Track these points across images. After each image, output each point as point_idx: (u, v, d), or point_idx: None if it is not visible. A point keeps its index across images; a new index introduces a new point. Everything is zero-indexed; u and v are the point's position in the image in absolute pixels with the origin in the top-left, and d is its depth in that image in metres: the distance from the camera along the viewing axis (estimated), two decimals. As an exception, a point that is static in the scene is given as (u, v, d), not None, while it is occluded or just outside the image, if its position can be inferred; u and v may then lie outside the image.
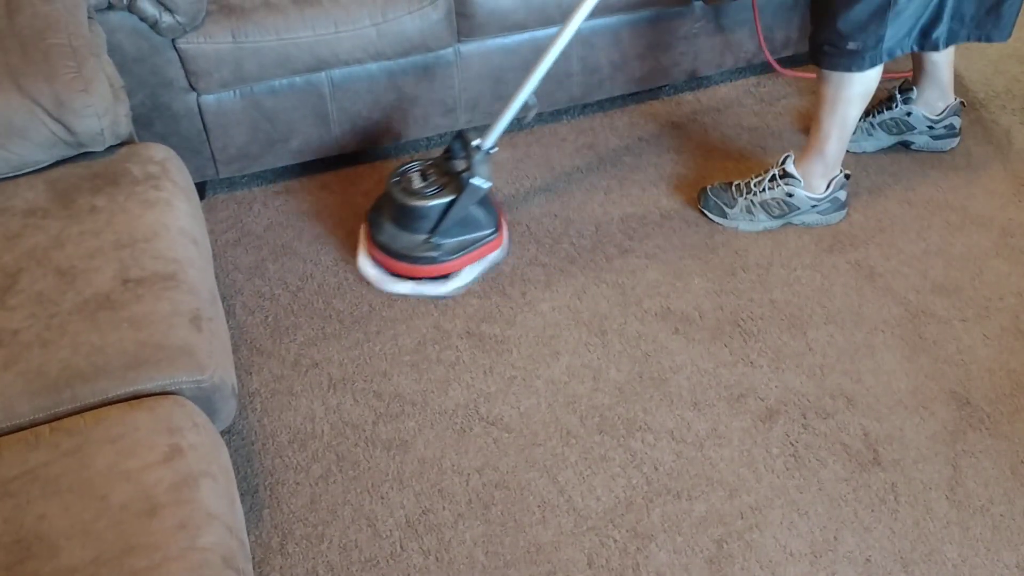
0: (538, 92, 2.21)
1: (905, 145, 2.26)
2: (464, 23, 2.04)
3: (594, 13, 2.11)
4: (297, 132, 2.08)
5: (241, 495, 1.57)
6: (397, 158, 2.26)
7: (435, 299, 1.92)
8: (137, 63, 1.86)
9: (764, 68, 2.51)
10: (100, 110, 1.51)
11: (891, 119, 2.20)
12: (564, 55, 2.18)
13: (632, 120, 2.38)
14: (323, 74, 2.02)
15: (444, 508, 1.57)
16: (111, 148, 1.60)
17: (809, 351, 1.82)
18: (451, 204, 1.85)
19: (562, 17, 2.10)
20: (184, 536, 1.07)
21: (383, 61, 2.03)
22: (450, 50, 2.09)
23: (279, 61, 1.93)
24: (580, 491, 1.60)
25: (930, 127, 2.20)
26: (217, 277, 1.92)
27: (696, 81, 2.47)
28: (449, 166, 1.91)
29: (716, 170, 2.21)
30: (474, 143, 1.88)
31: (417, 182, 1.89)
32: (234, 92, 1.99)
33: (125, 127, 1.61)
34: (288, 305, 1.92)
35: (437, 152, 2.04)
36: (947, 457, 1.63)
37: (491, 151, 1.89)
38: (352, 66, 2.02)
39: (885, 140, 2.25)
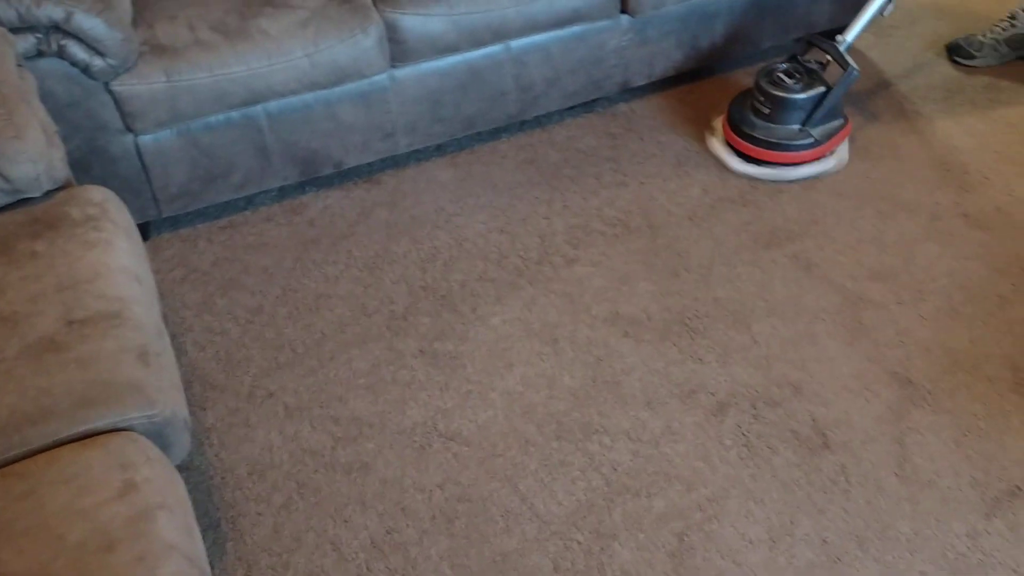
0: (474, 112, 2.27)
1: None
2: (396, 49, 2.07)
3: (523, 31, 2.18)
4: (237, 166, 2.09)
5: (203, 530, 1.57)
6: (340, 186, 2.28)
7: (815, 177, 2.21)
8: (71, 108, 1.86)
9: (694, 75, 2.58)
10: (34, 156, 1.51)
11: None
12: (497, 74, 2.24)
13: (570, 133, 2.43)
14: (259, 107, 2.03)
15: (408, 526, 1.58)
16: (49, 193, 1.60)
17: (754, 344, 1.87)
18: (824, 94, 2.13)
19: (493, 38, 2.16)
20: (143, 568, 1.07)
21: (318, 90, 2.06)
22: (384, 76, 2.12)
23: (214, 97, 1.95)
24: (542, 497, 1.62)
25: None
26: (166, 316, 1.92)
27: (629, 92, 2.53)
28: (805, 65, 2.19)
29: (654, 176, 2.27)
30: (836, 40, 2.19)
31: (788, 81, 2.16)
32: (171, 131, 1.99)
33: (61, 171, 1.60)
34: (239, 338, 1.92)
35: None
36: (893, 436, 1.68)
37: (850, 45, 2.21)
38: (288, 97, 2.04)
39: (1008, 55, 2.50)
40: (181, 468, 1.66)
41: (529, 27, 2.17)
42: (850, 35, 2.20)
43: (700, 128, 2.41)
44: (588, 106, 2.50)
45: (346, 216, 2.20)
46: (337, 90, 2.09)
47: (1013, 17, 2.53)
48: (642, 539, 1.55)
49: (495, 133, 2.43)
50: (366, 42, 2.01)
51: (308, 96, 2.07)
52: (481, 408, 1.77)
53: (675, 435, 1.71)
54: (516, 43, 2.21)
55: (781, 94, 2.16)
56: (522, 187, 2.27)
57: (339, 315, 1.96)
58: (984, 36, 2.55)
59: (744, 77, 2.57)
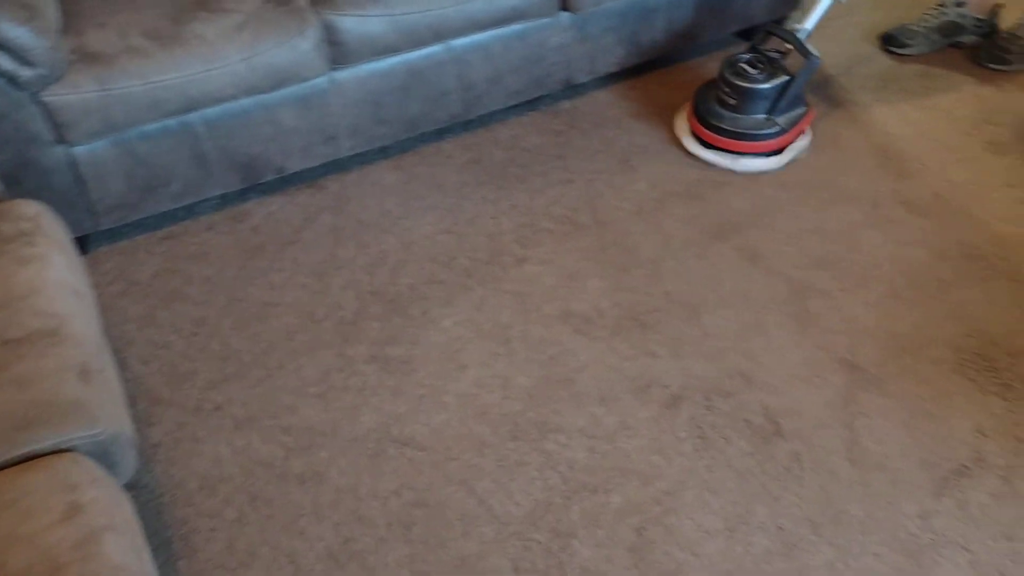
0: (416, 113, 2.25)
1: (956, 46, 2.58)
2: (335, 51, 2.04)
3: (464, 30, 2.17)
4: (176, 175, 2.04)
5: (154, 549, 1.52)
6: (283, 192, 2.24)
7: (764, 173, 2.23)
8: (-2, 119, 1.80)
9: (636, 71, 2.60)
10: (-40, 169, 1.45)
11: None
12: (439, 74, 2.22)
13: (514, 132, 2.42)
14: (197, 114, 1.99)
15: (365, 534, 1.56)
16: (-23, 208, 1.54)
17: (705, 336, 1.88)
18: (787, 83, 2.17)
19: (434, 37, 2.15)
20: (90, 594, 1.03)
21: (257, 95, 2.02)
22: (324, 78, 2.08)
23: (149, 105, 1.90)
24: (499, 499, 1.61)
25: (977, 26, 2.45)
26: (107, 330, 1.87)
27: (572, 89, 2.53)
28: (767, 55, 2.22)
29: (600, 172, 2.27)
30: (795, 29, 2.21)
31: (752, 71, 2.19)
32: (106, 141, 1.93)
33: (-10, 185, 1.55)
34: (184, 351, 1.87)
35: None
36: (843, 421, 1.71)
37: (810, 33, 2.24)
38: (226, 103, 1.99)
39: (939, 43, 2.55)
40: (128, 487, 1.61)
41: (469, 26, 2.16)
42: (809, 23, 2.24)
43: (644, 123, 2.42)
44: (532, 104, 2.50)
45: (290, 222, 2.16)
46: (276, 94, 2.05)
47: (942, 5, 2.60)
48: (601, 536, 1.55)
49: (439, 134, 2.41)
50: (304, 45, 1.98)
51: (246, 101, 2.03)
52: (435, 411, 1.75)
53: (630, 430, 1.71)
54: (457, 42, 2.20)
55: (747, 85, 2.19)
56: (468, 187, 2.26)
57: (286, 323, 1.92)
58: (916, 25, 2.61)
59: (685, 72, 2.59)
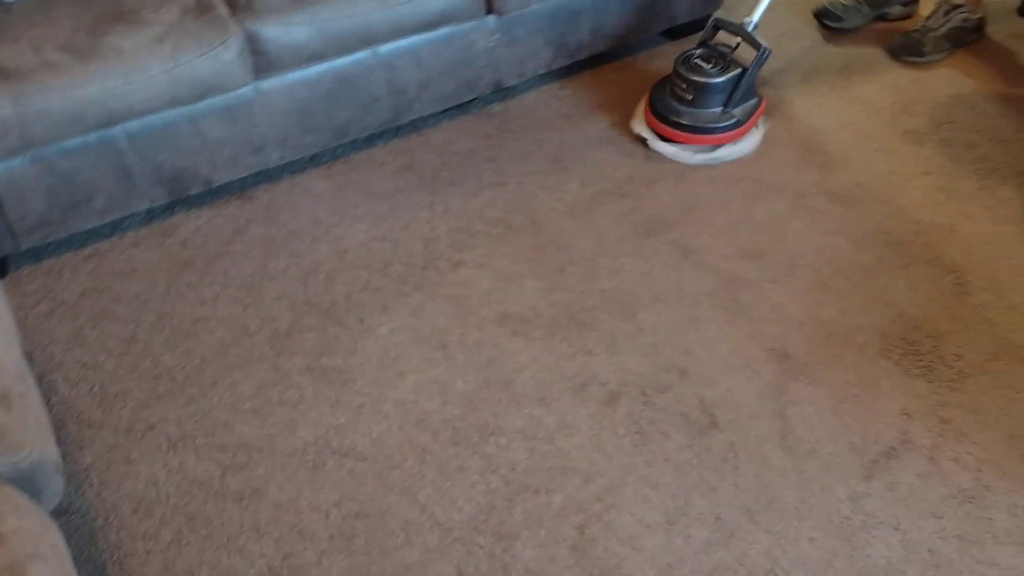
0: (346, 120, 2.23)
1: (882, 18, 2.70)
2: (260, 60, 2.02)
3: (390, 35, 2.16)
4: (99, 191, 2.00)
5: (88, 575, 1.49)
6: (212, 204, 2.21)
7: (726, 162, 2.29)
8: (-94, 140, 1.74)
9: (565, 72, 2.62)
10: None
11: None
12: (367, 80, 2.21)
13: (447, 136, 2.42)
14: (118, 128, 1.95)
15: (306, 549, 1.55)
16: None
17: (641, 332, 1.90)
18: (741, 75, 2.23)
19: (360, 43, 2.13)
20: (15, 627, 1.00)
21: (180, 107, 1.98)
22: (249, 88, 2.06)
23: (69, 120, 1.85)
24: (441, 505, 1.61)
25: None
26: (31, 354, 1.82)
27: (503, 92, 2.54)
28: (717, 49, 2.27)
29: (533, 173, 2.28)
30: (743, 23, 2.27)
31: (705, 66, 2.23)
32: (24, 158, 1.88)
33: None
34: (114, 371, 1.83)
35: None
36: (775, 410, 1.75)
37: (757, 25, 2.29)
38: (148, 116, 1.96)
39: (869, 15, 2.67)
40: (58, 512, 1.58)
41: (396, 31, 2.15)
42: (756, 15, 2.29)
43: (575, 123, 2.44)
44: (463, 108, 2.50)
45: (220, 235, 2.13)
46: (200, 105, 2.02)
47: None
48: (543, 536, 1.56)
49: (371, 140, 2.40)
50: (226, 55, 1.95)
51: (170, 113, 1.99)
52: (374, 421, 1.74)
53: (570, 429, 1.73)
54: (384, 48, 2.19)
55: (702, 79, 2.23)
56: (402, 193, 2.25)
57: (219, 338, 1.89)
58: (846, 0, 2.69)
59: (614, 72, 2.62)
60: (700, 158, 2.30)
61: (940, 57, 2.59)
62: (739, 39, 2.28)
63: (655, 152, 2.33)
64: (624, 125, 2.42)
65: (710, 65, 2.25)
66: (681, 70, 2.26)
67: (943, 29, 2.59)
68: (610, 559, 1.53)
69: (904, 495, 1.60)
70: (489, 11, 2.28)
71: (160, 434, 1.72)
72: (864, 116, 2.42)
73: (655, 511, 1.59)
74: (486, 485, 1.63)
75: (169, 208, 2.20)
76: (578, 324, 1.93)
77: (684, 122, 2.27)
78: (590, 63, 2.63)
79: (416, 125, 2.45)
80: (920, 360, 1.82)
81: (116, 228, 2.15)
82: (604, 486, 1.63)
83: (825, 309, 1.93)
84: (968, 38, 2.63)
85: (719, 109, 2.27)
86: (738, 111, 2.28)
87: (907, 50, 2.59)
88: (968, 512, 1.57)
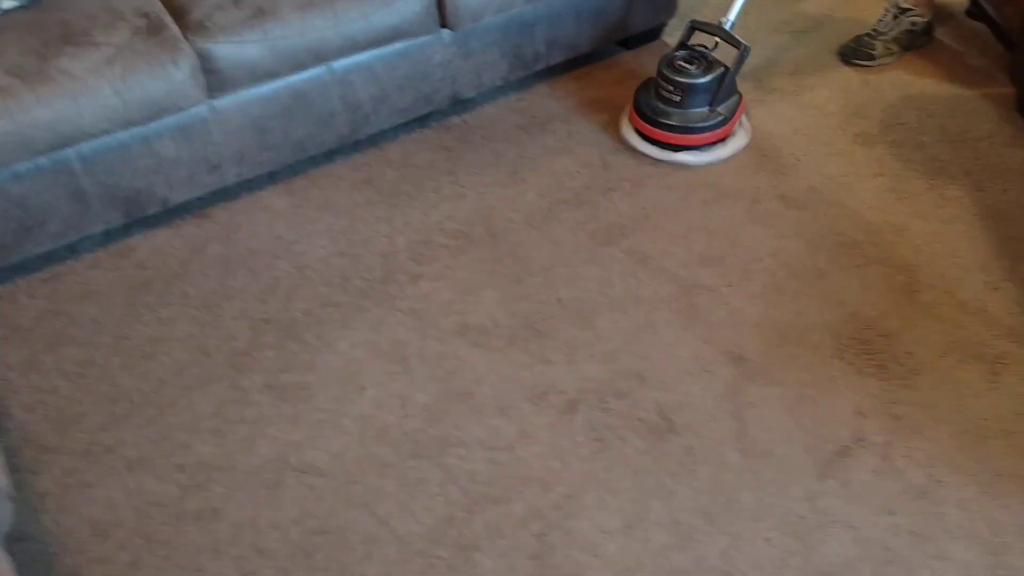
0: (303, 136, 2.24)
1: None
2: (212, 79, 2.02)
3: (344, 51, 2.17)
4: (53, 214, 1.99)
5: (43, 603, 1.48)
6: (170, 224, 2.20)
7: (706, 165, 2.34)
8: None
9: (521, 84, 2.63)
10: None
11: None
12: (323, 96, 2.22)
13: (406, 150, 2.43)
14: (71, 150, 1.94)
15: (266, 567, 1.54)
16: None
17: (599, 339, 1.92)
18: (724, 74, 2.28)
19: (314, 60, 2.14)
20: (-40, 657, 1.00)
21: (134, 128, 1.98)
22: (204, 107, 2.06)
23: (18, 145, 1.84)
24: (401, 519, 1.61)
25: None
26: (-16, 380, 1.81)
27: (460, 104, 2.56)
28: (697, 51, 2.32)
29: (491, 184, 2.30)
30: (720, 22, 2.32)
31: (689, 67, 2.28)
32: (-25, 183, 1.87)
33: None
34: (70, 395, 1.82)
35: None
36: (732, 412, 1.77)
37: (734, 24, 2.34)
38: (101, 138, 1.95)
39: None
40: (13, 540, 1.56)
41: (349, 47, 2.16)
42: (732, 14, 2.34)
43: (532, 134, 2.46)
44: (422, 121, 2.51)
45: (178, 255, 2.12)
46: (154, 125, 2.02)
47: None
48: (503, 545, 1.56)
49: (329, 156, 2.40)
50: (179, 75, 1.95)
51: (123, 134, 1.99)
52: (334, 436, 1.74)
53: (529, 438, 1.74)
54: (339, 64, 2.20)
55: (689, 80, 2.27)
56: (361, 208, 2.26)
57: (177, 359, 1.89)
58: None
59: (571, 82, 2.64)
60: (705, 158, 2.35)
61: (890, 60, 2.64)
62: (717, 39, 2.35)
63: (611, 160, 2.36)
64: (582, 134, 2.45)
65: (693, 66, 2.30)
66: (667, 72, 2.31)
67: (893, 32, 2.63)
68: (570, 566, 1.53)
69: (858, 493, 1.62)
70: (443, 25, 2.29)
71: (118, 457, 1.71)
72: (816, 120, 2.46)
73: (614, 517, 1.60)
74: (446, 497, 1.64)
75: (126, 229, 2.19)
76: (537, 333, 1.94)
77: (675, 123, 2.32)
78: (547, 74, 2.65)
79: (375, 139, 2.46)
80: (873, 359, 1.84)
81: (73, 251, 2.14)
82: (563, 494, 1.64)
83: (780, 311, 1.96)
84: (918, 41, 2.68)
85: (707, 108, 2.32)
86: (723, 108, 2.34)
87: (857, 54, 2.64)
88: (921, 508, 1.60)
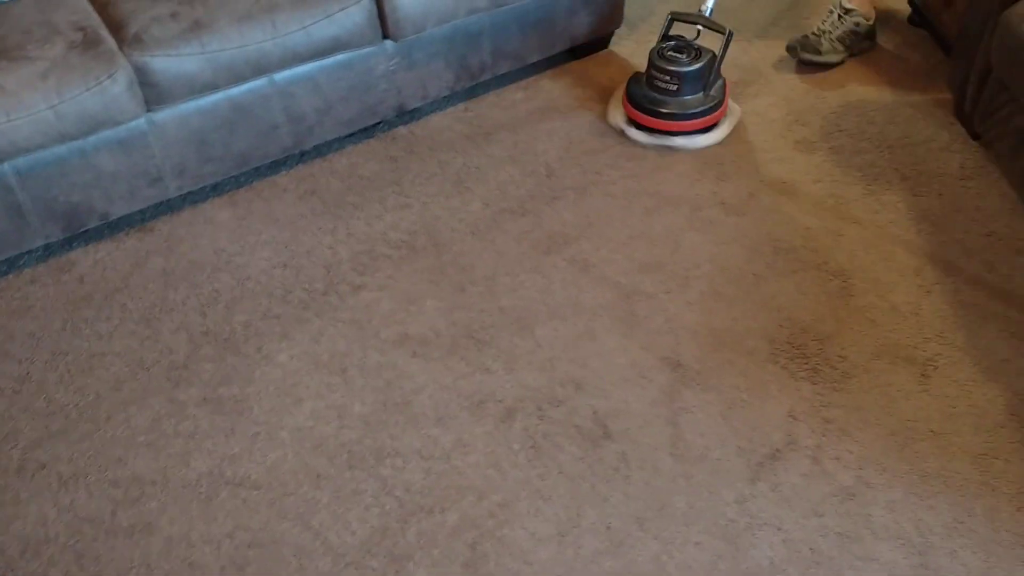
0: (245, 148, 2.24)
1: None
2: (150, 92, 2.02)
3: (284, 63, 2.17)
4: (-11, 229, 1.98)
5: (-31, 622, 1.47)
6: (111, 238, 2.19)
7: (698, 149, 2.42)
8: None
9: (468, 93, 2.65)
10: None
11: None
12: (264, 108, 2.22)
13: (351, 161, 2.44)
14: (6, 165, 1.93)
15: (198, 581, 1.54)
16: None
17: (538, 348, 1.93)
18: (713, 59, 2.38)
19: (254, 72, 2.14)
20: None
21: (70, 142, 1.97)
22: (142, 120, 2.06)
23: (-49, 159, 1.84)
24: (335, 530, 1.61)
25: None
26: (-84, 397, 1.79)
27: (407, 115, 2.57)
28: (682, 40, 2.40)
29: (436, 195, 2.31)
30: (700, 10, 2.44)
31: (680, 56, 2.37)
32: (-92, 199, 1.86)
33: None
34: (5, 411, 1.81)
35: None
36: (667, 417, 1.78)
37: (712, 10, 2.47)
38: (37, 152, 1.94)
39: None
40: (-60, 560, 1.55)
41: (290, 59, 2.17)
42: (710, 1, 2.46)
43: (478, 143, 2.47)
44: (368, 132, 2.52)
45: (118, 269, 2.12)
46: (92, 139, 2.01)
47: None
48: (436, 555, 1.57)
49: (274, 167, 2.40)
50: (115, 89, 1.95)
51: (60, 148, 1.99)
52: (270, 449, 1.74)
53: (466, 447, 1.74)
54: (280, 75, 2.20)
55: (685, 69, 2.36)
56: (305, 219, 2.26)
57: (115, 373, 1.88)
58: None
59: (518, 91, 2.66)
60: (705, 139, 2.43)
61: (837, 58, 2.68)
62: (699, 27, 2.44)
63: (556, 169, 2.38)
64: (527, 143, 2.46)
65: (684, 55, 2.39)
66: (661, 64, 2.39)
67: (837, 32, 2.68)
68: (502, 574, 1.54)
69: (787, 495, 1.64)
70: (385, 36, 2.31)
71: (51, 472, 1.70)
72: (758, 127, 2.49)
73: (547, 524, 1.61)
74: (380, 507, 1.64)
75: (67, 243, 2.18)
76: (477, 342, 1.95)
77: (674, 111, 2.39)
78: (495, 84, 2.67)
79: (320, 150, 2.46)
80: (806, 363, 1.87)
81: (12, 266, 2.13)
82: (498, 502, 1.65)
83: (717, 317, 1.98)
84: (862, 44, 2.72)
85: (701, 93, 2.40)
86: (714, 91, 2.42)
87: (805, 47, 2.67)
88: (848, 509, 1.62)
